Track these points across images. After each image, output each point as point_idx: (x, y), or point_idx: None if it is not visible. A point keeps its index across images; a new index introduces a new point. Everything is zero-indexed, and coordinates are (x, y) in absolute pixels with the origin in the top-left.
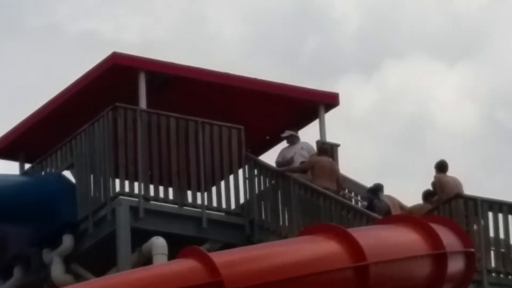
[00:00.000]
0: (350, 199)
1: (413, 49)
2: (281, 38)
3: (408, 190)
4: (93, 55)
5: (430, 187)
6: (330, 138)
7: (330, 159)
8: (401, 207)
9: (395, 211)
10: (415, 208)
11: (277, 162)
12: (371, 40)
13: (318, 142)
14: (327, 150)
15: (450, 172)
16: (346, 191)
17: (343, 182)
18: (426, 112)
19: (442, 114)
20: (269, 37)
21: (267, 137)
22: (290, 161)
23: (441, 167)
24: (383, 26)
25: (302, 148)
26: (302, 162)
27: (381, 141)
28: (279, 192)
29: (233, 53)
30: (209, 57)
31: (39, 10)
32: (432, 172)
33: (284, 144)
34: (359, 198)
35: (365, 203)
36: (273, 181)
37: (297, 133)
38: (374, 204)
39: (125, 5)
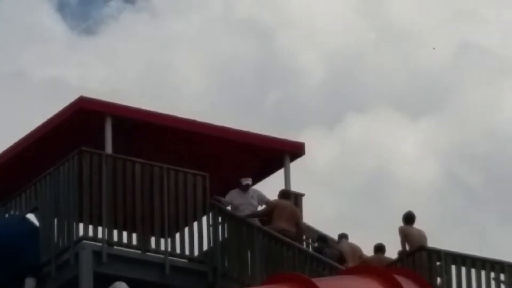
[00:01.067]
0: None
1: (377, 103)
2: (245, 89)
3: (368, 243)
4: (58, 101)
5: (390, 239)
6: (294, 188)
7: (291, 203)
8: (361, 256)
9: (354, 260)
10: (374, 259)
11: (225, 201)
12: (334, 93)
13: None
14: (289, 194)
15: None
16: (310, 240)
17: (303, 226)
18: (388, 166)
19: (404, 168)
20: (233, 88)
21: (232, 185)
22: (237, 207)
23: (408, 218)
24: (346, 79)
25: (252, 196)
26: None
27: (343, 194)
28: (243, 240)
29: (197, 103)
30: (174, 106)
31: (3, 56)
32: (393, 226)
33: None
34: (310, 241)
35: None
36: (236, 229)
37: (251, 181)
38: (325, 252)
39: (90, 53)
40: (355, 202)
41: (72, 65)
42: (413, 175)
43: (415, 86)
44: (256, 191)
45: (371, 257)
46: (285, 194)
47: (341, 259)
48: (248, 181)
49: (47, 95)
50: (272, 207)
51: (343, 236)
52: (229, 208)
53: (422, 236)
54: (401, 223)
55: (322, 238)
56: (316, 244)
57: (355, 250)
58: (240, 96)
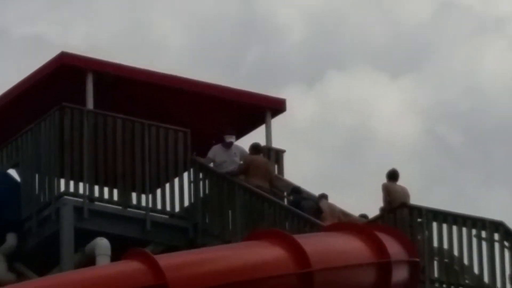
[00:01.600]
0: (283, 198)
1: (356, 61)
2: (224, 46)
3: (348, 201)
4: (39, 58)
5: (370, 198)
6: (275, 144)
7: (265, 158)
8: (345, 214)
9: (332, 219)
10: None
11: (208, 158)
12: (315, 51)
13: (264, 148)
14: (261, 149)
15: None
16: (285, 193)
17: (276, 181)
18: (368, 124)
19: (384, 126)
20: (213, 46)
21: (214, 141)
22: (219, 165)
23: (392, 175)
24: (326, 37)
25: (235, 153)
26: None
27: (323, 151)
28: (224, 196)
29: (178, 60)
30: (155, 63)
31: None
32: (374, 184)
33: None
34: (284, 194)
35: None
36: (217, 186)
37: (234, 138)
38: (302, 205)
39: (70, 10)
40: (335, 160)
41: (53, 23)
42: (393, 133)
43: (395, 44)
44: (238, 148)
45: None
46: (257, 148)
47: (318, 210)
48: (232, 138)
49: (28, 52)
50: (247, 164)
51: (322, 197)
52: (211, 165)
53: (405, 193)
54: (380, 181)
55: (295, 190)
56: (291, 197)
57: (334, 210)
58: (220, 53)
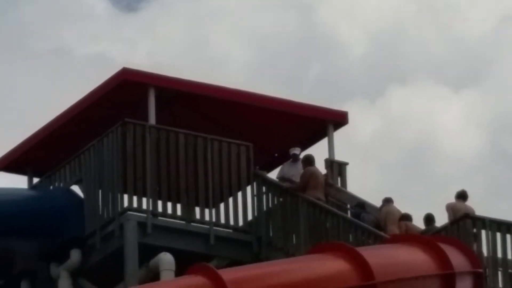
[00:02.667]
0: (346, 211)
1: (418, 75)
2: (285, 63)
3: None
4: (101, 76)
5: (431, 212)
6: (338, 157)
7: (319, 170)
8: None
9: (394, 220)
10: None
11: (279, 178)
12: (376, 65)
13: (326, 161)
14: (314, 160)
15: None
16: (348, 205)
17: (338, 193)
18: (431, 138)
19: (447, 140)
20: (274, 61)
21: (276, 154)
22: (290, 179)
23: (461, 195)
24: (387, 51)
25: (302, 167)
26: None
27: (385, 165)
28: (287, 209)
29: (238, 76)
30: (215, 78)
31: (47, 33)
32: (438, 198)
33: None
34: (348, 206)
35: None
36: (281, 199)
37: (299, 151)
38: (362, 217)
39: (132, 29)
40: (397, 174)
41: (114, 41)
42: (456, 147)
43: (457, 58)
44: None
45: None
46: (312, 160)
47: (377, 226)
48: (296, 150)
49: (91, 71)
50: (308, 177)
51: (388, 200)
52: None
53: (468, 211)
54: (444, 195)
55: (360, 205)
56: (353, 210)
57: (395, 213)
58: (281, 69)
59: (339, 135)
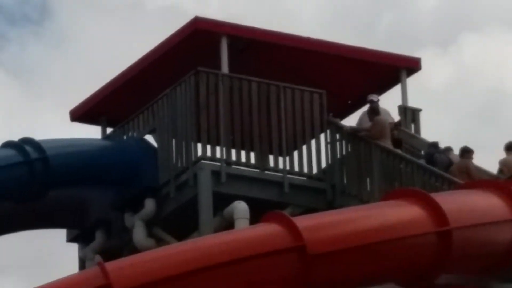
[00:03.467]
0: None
1: (491, 22)
2: (358, 11)
3: (483, 164)
4: (174, 27)
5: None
6: (411, 103)
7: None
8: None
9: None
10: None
11: (346, 130)
12: (448, 13)
13: (400, 107)
14: (379, 108)
15: None
16: (422, 152)
17: (412, 140)
18: (504, 86)
19: None
20: (346, 11)
21: (349, 102)
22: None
23: (509, 147)
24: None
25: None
26: None
27: (459, 113)
28: (361, 157)
29: (310, 27)
30: (287, 28)
31: None
32: None
33: (364, 108)
34: (421, 153)
35: (423, 160)
36: (354, 146)
37: (376, 97)
38: (435, 158)
39: None
40: (471, 122)
41: None
42: None
43: None
44: (383, 109)
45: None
46: (378, 109)
47: (450, 165)
48: (373, 97)
49: (163, 22)
50: (381, 126)
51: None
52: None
53: None
54: None
55: (433, 145)
56: (427, 150)
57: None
58: (353, 18)
59: (412, 82)
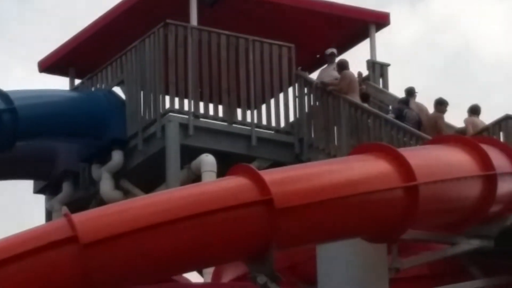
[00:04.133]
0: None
1: None
2: None
3: (449, 120)
4: None
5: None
6: (379, 58)
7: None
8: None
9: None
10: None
11: (316, 84)
12: None
13: (368, 62)
14: (348, 63)
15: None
16: (390, 107)
17: (380, 95)
18: (473, 43)
19: (489, 45)
20: None
21: (318, 56)
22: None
23: (474, 110)
24: None
25: (334, 68)
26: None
27: (426, 70)
28: (329, 111)
29: None
30: None
31: None
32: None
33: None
34: (389, 108)
35: (392, 114)
36: (322, 100)
37: (336, 51)
38: (405, 113)
39: None
40: (439, 78)
41: None
42: (498, 52)
43: None
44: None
45: (466, 119)
46: (346, 64)
47: (420, 122)
48: (332, 49)
49: None
50: (349, 80)
51: (411, 92)
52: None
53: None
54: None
55: (404, 101)
56: (397, 106)
57: (422, 110)
58: None
59: (380, 37)
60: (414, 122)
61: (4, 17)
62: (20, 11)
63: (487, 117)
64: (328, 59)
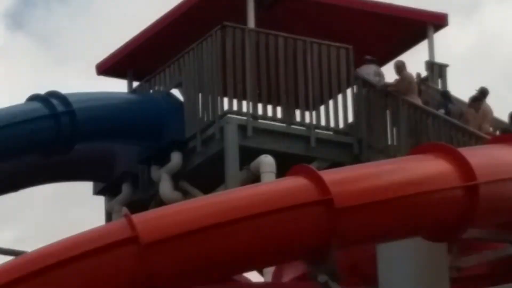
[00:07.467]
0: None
1: None
2: None
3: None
4: None
5: None
6: (438, 59)
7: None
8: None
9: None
10: None
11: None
12: None
13: (427, 63)
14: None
15: None
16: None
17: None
18: None
19: None
20: None
21: (371, 57)
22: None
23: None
24: None
25: (375, 72)
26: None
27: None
28: (388, 111)
29: None
30: None
31: None
32: None
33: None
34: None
35: (442, 110)
36: (381, 101)
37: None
38: (449, 108)
39: None
40: (496, 83)
41: None
42: None
43: None
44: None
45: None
46: (404, 65)
47: (462, 115)
48: (368, 56)
49: None
50: (408, 81)
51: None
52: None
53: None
54: None
55: (444, 94)
56: (439, 101)
57: (488, 112)
58: None
59: (438, 37)
60: (456, 117)
61: (61, 24)
62: (78, 20)
63: None
64: (367, 62)
